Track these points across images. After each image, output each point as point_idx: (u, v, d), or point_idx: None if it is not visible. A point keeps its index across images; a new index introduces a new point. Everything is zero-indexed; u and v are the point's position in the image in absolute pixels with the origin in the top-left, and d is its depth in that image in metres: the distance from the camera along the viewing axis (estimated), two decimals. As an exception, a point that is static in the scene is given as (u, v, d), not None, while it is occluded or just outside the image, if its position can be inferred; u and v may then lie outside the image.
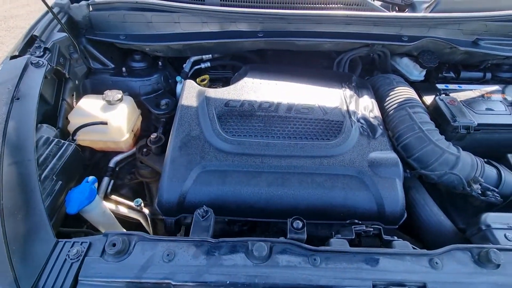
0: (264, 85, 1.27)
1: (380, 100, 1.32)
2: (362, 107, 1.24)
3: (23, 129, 0.98)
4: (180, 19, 1.38)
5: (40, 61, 1.19)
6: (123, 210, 1.37)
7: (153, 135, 1.36)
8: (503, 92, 1.36)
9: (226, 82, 1.84)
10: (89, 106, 1.36)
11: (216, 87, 1.48)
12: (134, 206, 1.28)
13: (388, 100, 1.27)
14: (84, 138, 1.36)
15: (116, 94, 1.36)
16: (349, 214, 0.99)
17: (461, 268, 0.79)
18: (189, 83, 1.30)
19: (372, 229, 0.86)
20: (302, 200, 1.01)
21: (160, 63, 1.61)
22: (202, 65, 1.71)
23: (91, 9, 1.42)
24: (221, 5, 1.41)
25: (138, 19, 1.39)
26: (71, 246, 0.81)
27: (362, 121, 1.18)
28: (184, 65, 1.70)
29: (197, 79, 1.54)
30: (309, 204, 1.01)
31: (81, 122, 1.32)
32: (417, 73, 1.48)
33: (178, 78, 1.61)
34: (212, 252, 0.80)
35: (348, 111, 1.19)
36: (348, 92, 1.28)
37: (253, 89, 1.25)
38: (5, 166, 0.88)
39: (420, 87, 1.39)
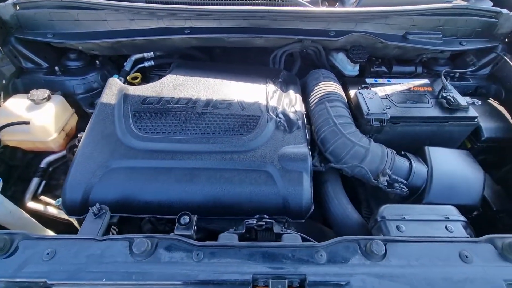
0: (187, 82, 1.26)
1: (307, 95, 1.32)
2: (285, 102, 1.23)
3: None
4: (107, 17, 1.37)
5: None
6: (53, 211, 1.35)
7: (80, 134, 1.33)
8: (431, 85, 1.36)
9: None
10: (15, 106, 1.33)
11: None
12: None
13: (312, 94, 1.27)
14: (10, 139, 1.34)
15: (42, 93, 1.35)
16: (257, 209, 0.98)
17: (346, 260, 0.78)
18: (112, 80, 1.29)
19: (264, 223, 0.85)
20: (210, 196, 1.00)
21: (97, 61, 1.60)
22: (146, 64, 1.69)
23: (17, 8, 1.40)
24: (146, 2, 1.40)
25: (65, 17, 1.38)
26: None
27: (280, 115, 1.17)
28: (124, 64, 1.68)
29: (128, 77, 1.53)
30: (218, 200, 1.00)
31: (4, 122, 1.30)
32: (351, 68, 1.48)
33: (115, 76, 1.60)
34: (95, 250, 0.79)
35: (267, 106, 1.19)
36: (271, 87, 1.27)
37: (174, 86, 1.24)
38: None
39: (351, 82, 1.39)
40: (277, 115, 1.17)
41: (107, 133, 1.10)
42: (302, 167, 1.02)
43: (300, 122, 1.17)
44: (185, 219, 0.82)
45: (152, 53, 1.68)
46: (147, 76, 1.76)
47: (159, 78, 1.74)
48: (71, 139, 1.49)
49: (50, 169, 1.48)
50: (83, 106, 1.50)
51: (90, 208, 0.88)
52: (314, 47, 1.48)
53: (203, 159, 1.04)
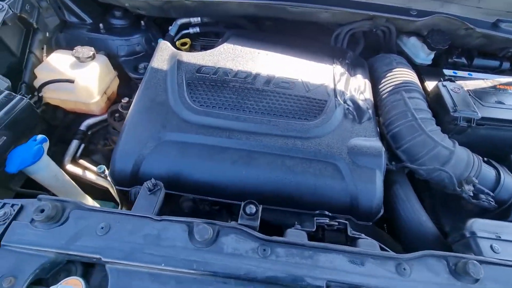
0: (245, 53, 1.13)
1: (376, 82, 1.17)
2: (353, 88, 1.10)
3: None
4: (161, -28, 1.23)
5: (-2, 5, 1.07)
6: (90, 176, 1.30)
7: (125, 100, 1.25)
8: (520, 85, 1.19)
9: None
10: (59, 62, 1.25)
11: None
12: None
13: (384, 82, 1.12)
14: (52, 96, 1.27)
15: (88, 51, 1.25)
16: (319, 204, 0.89)
17: (432, 278, 0.68)
18: (164, 44, 1.17)
19: (336, 223, 0.75)
20: (268, 183, 0.90)
21: (143, 23, 1.48)
22: (191, 30, 1.56)
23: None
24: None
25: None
26: (1, 207, 0.73)
27: (349, 102, 1.04)
28: (170, 28, 1.56)
29: (177, 42, 1.41)
30: (276, 188, 0.90)
31: (48, 78, 1.22)
32: (424, 55, 1.30)
33: (160, 40, 1.48)
34: (151, 230, 0.72)
35: (335, 90, 1.05)
36: (339, 69, 1.13)
37: (232, 56, 1.12)
38: None
39: (425, 71, 1.23)
40: (345, 102, 1.04)
41: (159, 101, 1.01)
42: (375, 163, 0.90)
43: (370, 111, 1.04)
44: (251, 208, 0.73)
45: (199, 18, 1.55)
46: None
47: (202, 48, 1.65)
48: (112, 103, 1.41)
49: (89, 133, 1.42)
50: (125, 70, 1.40)
51: (144, 182, 0.81)
52: (385, 27, 1.30)
53: (262, 141, 0.94)
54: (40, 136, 0.96)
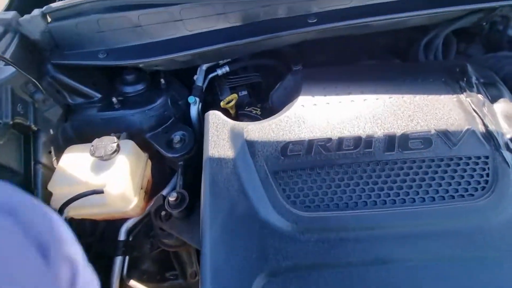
0: (336, 106, 0.78)
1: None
2: (505, 121, 0.74)
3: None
4: (183, 15, 0.88)
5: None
6: (148, 298, 0.99)
7: (172, 196, 0.92)
8: None
9: (252, 88, 1.37)
10: (75, 167, 0.93)
11: (248, 112, 1.01)
12: None
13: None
14: (78, 214, 0.95)
15: (109, 144, 0.92)
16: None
17: None
18: (214, 116, 0.84)
19: None
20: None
21: (163, 81, 1.14)
22: (219, 72, 1.23)
23: (49, 19, 0.94)
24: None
25: (121, 24, 0.91)
26: None
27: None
28: (194, 77, 1.22)
29: (222, 103, 1.07)
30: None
31: (67, 192, 0.90)
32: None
33: (191, 99, 1.14)
34: None
35: (488, 134, 0.70)
36: (473, 96, 0.78)
37: (318, 114, 0.77)
38: None
39: None
40: (510, 150, 0.69)
41: (239, 213, 0.67)
42: None
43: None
44: None
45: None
46: (215, 92, 1.31)
47: (232, 90, 1.31)
48: (149, 195, 1.09)
49: (131, 239, 1.11)
50: (159, 149, 1.07)
51: None
52: (501, 17, 0.94)
53: (425, 248, 0.60)
54: None
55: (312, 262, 0.61)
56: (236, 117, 1.18)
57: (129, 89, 1.11)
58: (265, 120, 0.79)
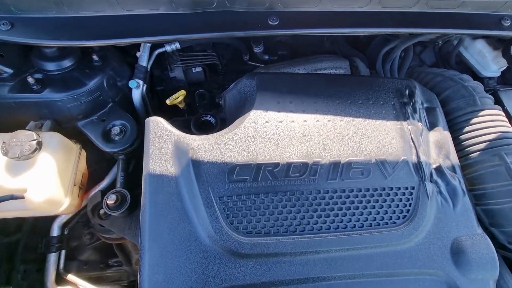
0: (287, 125, 0.76)
1: (454, 127, 0.89)
2: (436, 151, 0.81)
3: None
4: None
5: None
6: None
7: (110, 199, 0.86)
8: None
9: (210, 69, 1.26)
10: (-16, 164, 0.78)
11: (201, 118, 0.91)
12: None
13: (470, 132, 0.85)
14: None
15: (27, 141, 0.78)
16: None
17: None
18: (155, 125, 0.74)
19: None
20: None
21: (95, 57, 0.95)
22: (167, 48, 1.08)
23: None
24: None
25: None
26: None
27: (438, 180, 0.77)
28: (137, 54, 1.05)
29: (168, 101, 0.95)
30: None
31: (-24, 196, 0.77)
32: (496, 67, 1.01)
33: (132, 84, 1.00)
34: None
35: (418, 164, 0.77)
36: (414, 124, 0.82)
37: (269, 135, 0.74)
38: None
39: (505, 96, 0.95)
40: (432, 179, 0.77)
41: (180, 236, 0.66)
42: (490, 274, 0.71)
43: (463, 187, 0.79)
44: None
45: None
46: (164, 66, 1.17)
47: (184, 71, 1.18)
48: (85, 189, 1.00)
49: (66, 231, 1.03)
50: (94, 141, 0.95)
51: None
52: (456, 36, 0.95)
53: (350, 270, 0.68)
54: None
55: (249, 284, 0.65)
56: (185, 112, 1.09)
57: (51, 66, 0.91)
58: (213, 135, 0.73)
